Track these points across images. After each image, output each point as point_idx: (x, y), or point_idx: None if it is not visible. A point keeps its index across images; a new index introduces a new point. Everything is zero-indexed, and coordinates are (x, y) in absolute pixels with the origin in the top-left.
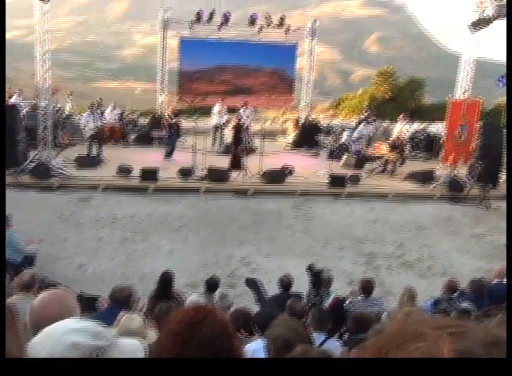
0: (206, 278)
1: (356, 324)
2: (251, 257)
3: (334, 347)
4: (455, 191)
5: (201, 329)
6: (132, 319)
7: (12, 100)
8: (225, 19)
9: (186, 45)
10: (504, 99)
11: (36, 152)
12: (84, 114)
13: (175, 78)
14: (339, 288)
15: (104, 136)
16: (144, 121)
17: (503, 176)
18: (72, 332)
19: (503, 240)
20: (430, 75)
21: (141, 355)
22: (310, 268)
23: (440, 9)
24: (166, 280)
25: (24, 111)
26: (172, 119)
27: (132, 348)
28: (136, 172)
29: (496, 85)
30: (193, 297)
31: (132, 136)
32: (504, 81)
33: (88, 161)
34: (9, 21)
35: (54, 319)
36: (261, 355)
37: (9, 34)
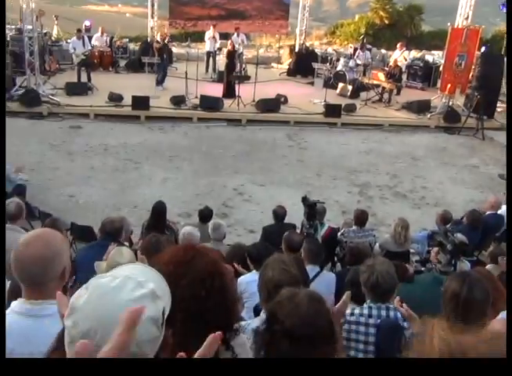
0: (199, 208)
1: (351, 256)
2: (245, 187)
3: (328, 279)
4: (451, 121)
5: (191, 269)
6: (122, 252)
7: None
8: None
9: None
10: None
11: (23, 78)
12: (72, 39)
13: (166, 2)
14: (333, 218)
15: (94, 62)
16: (135, 46)
17: (500, 108)
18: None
19: (497, 170)
20: (429, 1)
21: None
22: (304, 199)
23: None
24: (159, 210)
25: (9, 36)
26: (163, 44)
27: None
28: (127, 100)
29: (500, 10)
30: (187, 228)
31: (123, 62)
32: (506, 6)
33: (78, 88)
34: None
35: (37, 259)
36: (254, 286)
37: None
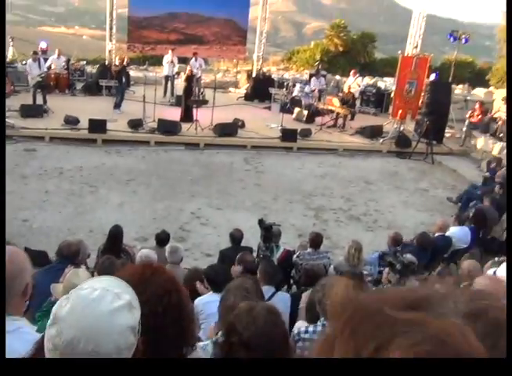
0: (156, 232)
1: (306, 278)
2: (202, 210)
3: (283, 299)
4: (402, 146)
5: (149, 286)
6: (78, 273)
7: None
8: None
9: None
10: (453, 54)
11: None
12: (28, 61)
13: (125, 25)
14: (289, 241)
15: (50, 84)
16: (92, 69)
17: (448, 133)
18: (117, 316)
19: (446, 194)
20: (381, 30)
21: None
22: (261, 222)
23: None
24: (115, 234)
25: None
26: (121, 67)
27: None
28: (84, 123)
29: (448, 39)
30: (144, 251)
31: (79, 85)
32: (454, 36)
33: (33, 110)
34: None
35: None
36: (213, 307)
37: None
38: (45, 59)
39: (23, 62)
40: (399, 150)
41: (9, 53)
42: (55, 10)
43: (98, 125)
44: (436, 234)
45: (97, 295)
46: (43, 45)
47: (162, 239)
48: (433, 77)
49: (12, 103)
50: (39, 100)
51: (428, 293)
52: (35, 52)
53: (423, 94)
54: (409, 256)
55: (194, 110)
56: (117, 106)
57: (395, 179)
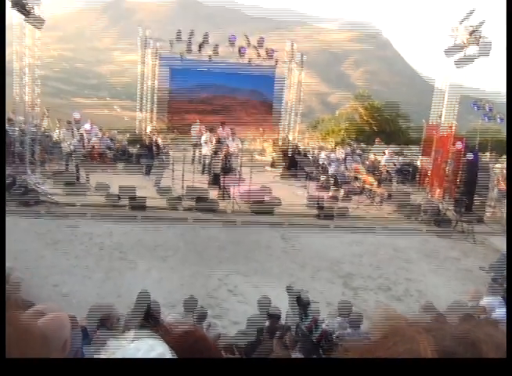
0: (184, 298)
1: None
2: (230, 277)
3: None
4: (441, 225)
5: (192, 353)
6: None
7: None
8: (205, 40)
9: (166, 62)
10: (477, 123)
11: (12, 168)
12: (62, 130)
13: (155, 96)
14: (317, 309)
15: (82, 153)
16: (122, 138)
17: (488, 212)
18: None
19: (478, 263)
20: (405, 99)
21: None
22: (289, 289)
23: (415, 34)
24: (143, 300)
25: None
26: (152, 137)
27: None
28: (115, 189)
29: (472, 108)
30: (172, 315)
31: (110, 153)
32: (478, 105)
33: (66, 178)
34: None
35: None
36: None
37: None
38: (78, 129)
39: (57, 131)
40: (438, 228)
41: (44, 123)
42: (88, 82)
43: (127, 191)
44: (469, 304)
45: (133, 346)
46: (76, 115)
47: (190, 305)
48: (470, 156)
49: (45, 170)
50: (71, 168)
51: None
52: (69, 122)
53: (460, 172)
54: None
55: (231, 189)
56: (147, 173)
57: (435, 258)
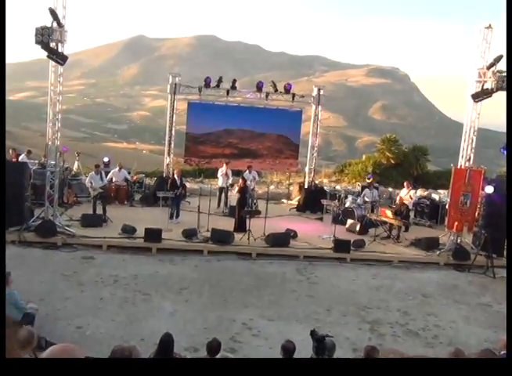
0: (207, 341)
1: None
2: (254, 321)
3: None
4: (460, 259)
5: None
6: None
7: (20, 158)
8: (233, 85)
9: (194, 108)
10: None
11: (42, 209)
12: (90, 174)
13: (182, 140)
14: (342, 355)
15: (110, 196)
16: (150, 181)
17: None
18: None
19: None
20: (433, 143)
21: None
22: (313, 333)
23: (441, 79)
24: (166, 343)
25: (32, 169)
26: (178, 180)
27: None
28: (140, 232)
29: (502, 153)
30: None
31: (138, 196)
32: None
33: (93, 220)
34: (22, 83)
35: None
36: None
37: (21, 95)
38: (107, 173)
39: (86, 174)
40: (457, 262)
41: (75, 167)
42: (119, 127)
43: (153, 234)
44: (501, 352)
45: None
46: (105, 159)
47: (213, 347)
48: (490, 189)
49: (74, 212)
50: (99, 210)
51: None
52: (97, 166)
53: (479, 206)
54: None
55: (247, 221)
56: (173, 215)
57: (455, 293)
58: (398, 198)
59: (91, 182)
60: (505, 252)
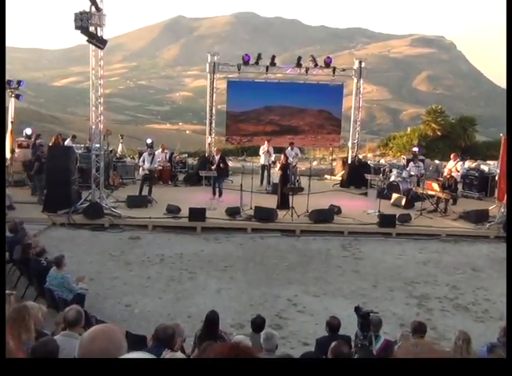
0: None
1: None
2: (299, 297)
3: None
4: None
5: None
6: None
7: (66, 143)
8: (272, 61)
9: (234, 86)
10: None
11: (89, 192)
12: (144, 154)
13: (223, 120)
14: (390, 331)
15: (155, 176)
16: (193, 161)
17: None
18: None
19: None
20: (482, 113)
21: None
22: (357, 309)
23: (490, 46)
24: (212, 320)
25: (78, 153)
26: (216, 159)
27: None
28: (185, 212)
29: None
30: (239, 337)
31: (181, 176)
32: None
33: (139, 201)
34: (66, 69)
35: (102, 353)
36: None
37: (66, 81)
38: (154, 153)
39: (131, 157)
40: (508, 234)
41: (119, 149)
42: (162, 109)
43: (198, 214)
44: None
45: None
46: (149, 141)
47: (258, 324)
48: None
49: (120, 194)
50: (145, 191)
51: None
52: (151, 147)
53: None
54: None
55: (290, 198)
56: (216, 194)
57: (505, 266)
58: (446, 171)
59: (143, 162)
60: None
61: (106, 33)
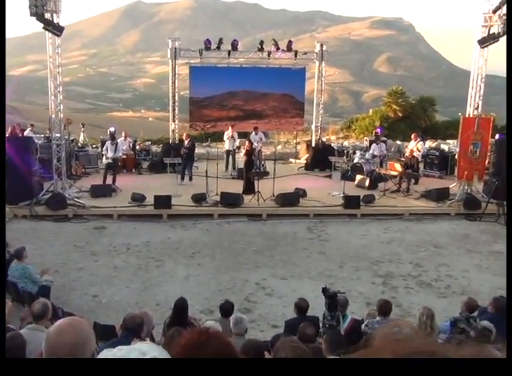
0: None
1: None
2: (267, 281)
3: None
4: (471, 208)
5: (204, 351)
6: None
7: (26, 133)
8: (234, 46)
9: (196, 72)
10: None
11: (50, 183)
12: (107, 142)
13: (186, 106)
14: (357, 310)
15: (118, 165)
16: (157, 148)
17: None
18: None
19: None
20: (441, 93)
21: None
22: (324, 290)
23: (447, 27)
24: (181, 307)
25: (38, 143)
26: (186, 143)
27: None
28: (150, 200)
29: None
30: (209, 322)
31: (145, 164)
32: None
33: (103, 190)
34: (23, 57)
35: (69, 347)
36: None
37: (23, 69)
38: (117, 142)
39: (93, 146)
40: (468, 211)
41: (80, 138)
42: (123, 96)
43: (163, 201)
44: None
45: (123, 353)
46: (111, 129)
47: (226, 309)
48: (497, 136)
49: (83, 184)
50: (109, 180)
51: None
52: (113, 136)
53: (489, 154)
54: (485, 323)
55: (256, 182)
56: (183, 178)
57: (466, 242)
58: (407, 151)
59: (106, 150)
60: None
61: (62, 20)
